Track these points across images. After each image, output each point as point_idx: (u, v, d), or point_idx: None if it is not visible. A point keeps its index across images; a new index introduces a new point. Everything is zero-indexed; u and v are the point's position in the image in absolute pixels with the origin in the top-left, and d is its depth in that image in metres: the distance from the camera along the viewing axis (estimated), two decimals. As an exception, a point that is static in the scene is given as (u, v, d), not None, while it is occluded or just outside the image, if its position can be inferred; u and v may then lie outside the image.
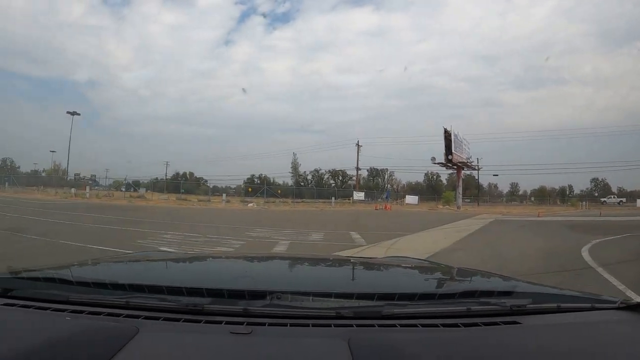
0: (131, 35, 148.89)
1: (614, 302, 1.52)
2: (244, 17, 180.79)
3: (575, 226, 20.98)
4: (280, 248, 11.65)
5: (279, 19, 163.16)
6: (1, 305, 1.38)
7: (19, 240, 11.17)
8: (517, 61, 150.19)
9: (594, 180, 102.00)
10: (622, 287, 6.58)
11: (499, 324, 1.29)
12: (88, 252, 9.19)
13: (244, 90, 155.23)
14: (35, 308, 1.35)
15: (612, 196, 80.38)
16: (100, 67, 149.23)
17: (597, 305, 1.50)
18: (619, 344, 1.26)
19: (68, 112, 71.68)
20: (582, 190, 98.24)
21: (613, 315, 1.46)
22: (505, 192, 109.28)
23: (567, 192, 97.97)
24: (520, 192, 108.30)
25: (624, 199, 76.85)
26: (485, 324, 1.28)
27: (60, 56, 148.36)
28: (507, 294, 1.53)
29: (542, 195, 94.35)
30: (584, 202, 67.06)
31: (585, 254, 10.31)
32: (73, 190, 52.71)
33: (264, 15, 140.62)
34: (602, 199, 76.80)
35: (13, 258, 8.10)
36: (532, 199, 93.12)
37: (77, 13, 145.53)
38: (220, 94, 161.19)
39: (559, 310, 1.42)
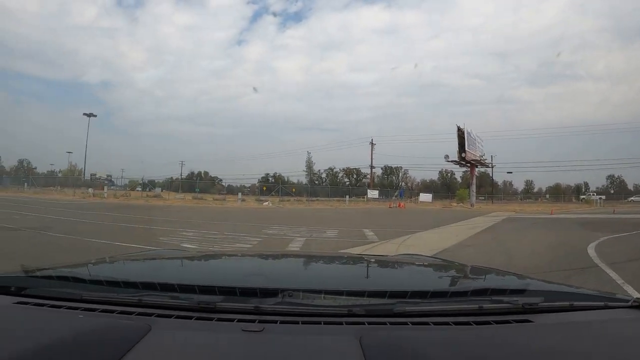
0: (144, 37, 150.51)
1: (627, 301, 1.52)
2: (256, 17, 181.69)
3: (586, 223, 20.98)
4: (296, 244, 11.77)
5: (291, 18, 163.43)
6: (15, 303, 1.39)
7: (48, 239, 11.37)
8: (530, 57, 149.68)
9: (610, 177, 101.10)
10: (620, 281, 6.82)
11: (511, 322, 1.29)
12: (113, 249, 9.52)
13: (255, 89, 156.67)
14: (49, 306, 1.36)
15: (591, 193, 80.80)
16: (113, 68, 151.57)
17: (609, 303, 1.50)
18: (631, 342, 1.26)
19: (84, 114, 72.73)
20: (597, 188, 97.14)
21: (626, 313, 1.46)
22: (520, 189, 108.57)
23: (583, 190, 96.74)
24: (535, 190, 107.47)
25: (603, 197, 77.06)
26: (497, 322, 1.28)
27: (73, 58, 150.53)
28: (519, 292, 1.52)
29: (557, 193, 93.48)
30: (598, 200, 66.78)
31: (591, 250, 10.46)
32: (91, 190, 53.47)
33: (275, 15, 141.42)
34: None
35: (40, 256, 8.29)
36: (547, 196, 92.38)
37: (90, 15, 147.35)
38: (233, 94, 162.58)
39: (572, 309, 1.42)
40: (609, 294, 1.65)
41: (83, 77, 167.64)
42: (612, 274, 7.35)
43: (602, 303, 1.50)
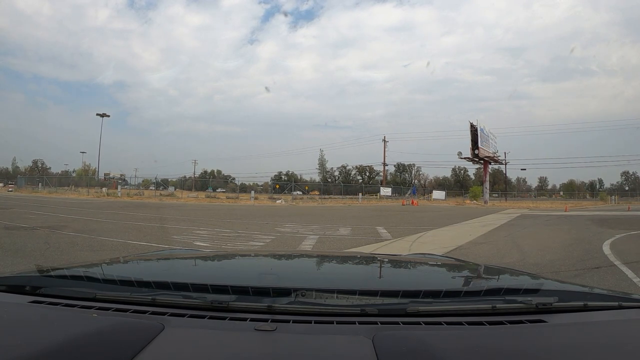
0: (158, 38, 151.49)
1: None
2: (268, 16, 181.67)
3: (601, 220, 20.94)
4: (309, 242, 11.67)
5: (302, 17, 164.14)
6: (30, 302, 1.40)
7: (62, 237, 11.11)
8: (543, 53, 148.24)
9: (625, 173, 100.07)
10: (636, 279, 6.74)
11: (524, 323, 1.28)
12: (127, 247, 9.65)
13: (267, 89, 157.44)
14: (63, 305, 1.37)
15: None
16: (128, 69, 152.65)
17: (624, 303, 1.48)
18: None
19: (97, 114, 73.70)
20: (612, 184, 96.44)
21: None
22: (533, 186, 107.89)
23: (597, 186, 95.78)
24: (549, 187, 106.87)
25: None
26: (511, 322, 1.27)
27: (88, 60, 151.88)
28: (533, 292, 1.50)
29: (571, 190, 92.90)
30: (612, 197, 66.22)
31: (606, 248, 10.43)
32: (104, 189, 54.20)
33: (286, 14, 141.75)
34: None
35: (54, 254, 8.22)
36: (561, 193, 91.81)
37: (103, 17, 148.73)
38: (246, 93, 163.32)
39: (586, 309, 1.41)
40: (623, 294, 1.63)
41: (99, 78, 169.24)
42: (629, 272, 7.27)
43: (617, 303, 1.48)
